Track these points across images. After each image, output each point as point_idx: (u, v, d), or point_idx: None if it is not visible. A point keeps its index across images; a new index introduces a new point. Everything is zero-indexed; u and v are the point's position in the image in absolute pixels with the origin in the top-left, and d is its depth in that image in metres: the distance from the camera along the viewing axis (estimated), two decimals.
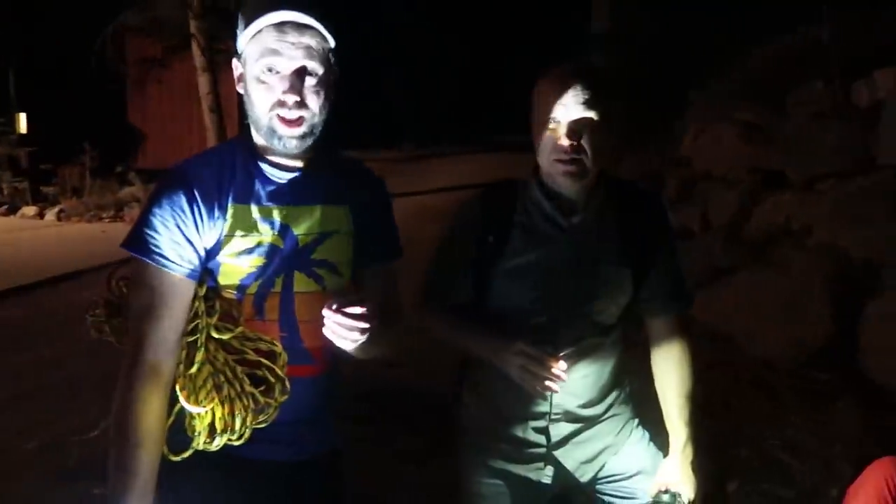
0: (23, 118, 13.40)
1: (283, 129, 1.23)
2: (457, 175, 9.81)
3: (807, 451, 2.73)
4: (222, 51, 10.56)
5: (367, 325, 1.13)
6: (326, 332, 1.15)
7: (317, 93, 1.23)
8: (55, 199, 11.76)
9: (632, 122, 5.95)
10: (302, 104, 1.22)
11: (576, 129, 1.38)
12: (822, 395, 3.06)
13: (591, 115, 1.38)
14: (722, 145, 5.08)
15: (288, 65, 1.21)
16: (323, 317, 1.14)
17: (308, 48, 1.21)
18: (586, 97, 1.38)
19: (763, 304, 3.61)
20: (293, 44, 1.20)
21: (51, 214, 11.06)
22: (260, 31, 1.21)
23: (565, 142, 1.38)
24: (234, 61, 1.29)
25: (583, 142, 1.38)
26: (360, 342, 1.17)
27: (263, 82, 1.22)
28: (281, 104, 1.22)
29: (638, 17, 7.65)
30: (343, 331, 1.13)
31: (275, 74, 1.22)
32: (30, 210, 11.36)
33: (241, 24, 1.24)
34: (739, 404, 3.17)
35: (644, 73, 7.00)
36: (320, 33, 1.22)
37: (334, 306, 1.12)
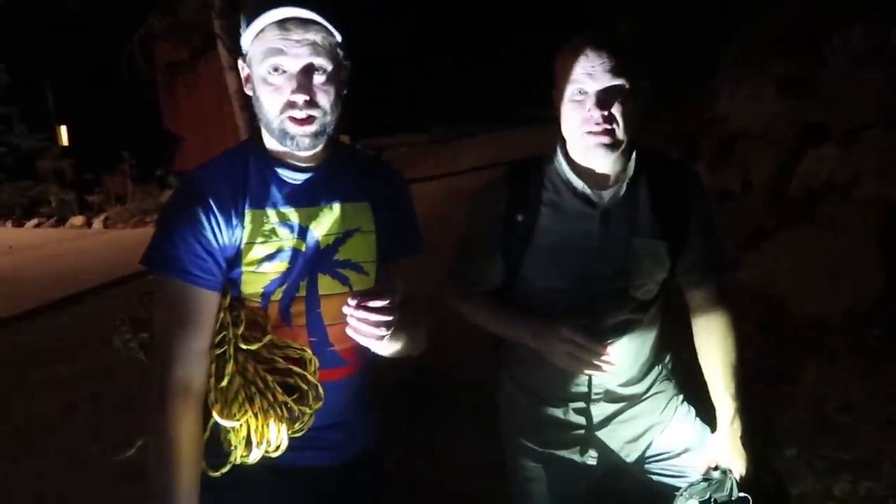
0: (63, 130, 13.81)
1: (294, 129, 1.19)
2: (487, 154, 9.73)
3: (865, 412, 2.64)
4: None
5: (390, 319, 1.11)
6: (349, 331, 1.13)
7: (326, 90, 1.19)
8: (100, 207, 12.13)
9: (662, 84, 5.79)
10: (312, 103, 1.18)
11: (606, 98, 1.34)
12: (877, 352, 2.96)
13: (621, 81, 1.34)
14: (758, 101, 4.90)
15: (294, 63, 1.16)
16: (346, 316, 1.12)
17: (314, 44, 1.16)
18: (613, 64, 1.33)
19: (811, 263, 3.49)
20: (298, 41, 1.15)
21: (98, 223, 11.42)
22: (263, 30, 1.17)
23: (596, 112, 1.34)
24: (240, 62, 1.24)
25: (613, 111, 1.34)
26: (385, 339, 1.15)
27: (271, 84, 1.18)
28: (291, 105, 1.18)
29: None
30: (366, 327, 1.11)
31: (281, 74, 1.17)
32: (77, 220, 11.75)
33: (242, 24, 1.20)
34: (793, 368, 3.08)
35: (672, 32, 6.80)
36: (325, 28, 1.17)
37: (354, 302, 1.10)
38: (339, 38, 1.20)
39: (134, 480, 2.75)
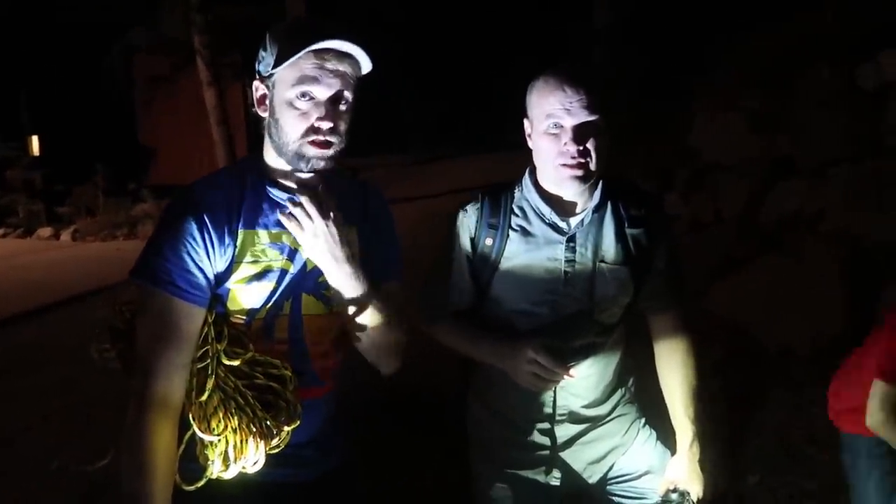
0: (35, 141, 13.62)
1: (313, 152, 1.21)
2: (464, 177, 9.80)
3: (829, 441, 2.69)
4: (227, 64, 10.65)
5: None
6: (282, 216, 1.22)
7: (345, 119, 1.22)
8: (70, 219, 11.90)
9: (637, 114, 5.91)
10: (333, 129, 1.20)
11: (581, 132, 1.38)
12: None
13: (595, 117, 1.38)
14: (730, 134, 5.04)
15: (324, 92, 1.19)
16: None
17: (344, 75, 1.20)
18: (590, 100, 1.37)
19: (779, 293, 3.56)
20: (332, 71, 1.18)
21: (66, 235, 11.19)
22: (299, 56, 1.17)
23: (572, 147, 1.38)
24: (257, 83, 1.25)
25: (588, 145, 1.38)
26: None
27: (297, 108, 1.20)
28: (315, 130, 1.20)
29: (639, 8, 7.61)
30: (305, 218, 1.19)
31: (309, 100, 1.19)
32: (45, 231, 11.51)
33: (272, 47, 1.21)
34: (759, 395, 3.13)
35: (648, 65, 6.96)
36: (357, 61, 1.20)
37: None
38: (365, 71, 1.23)
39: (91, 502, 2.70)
